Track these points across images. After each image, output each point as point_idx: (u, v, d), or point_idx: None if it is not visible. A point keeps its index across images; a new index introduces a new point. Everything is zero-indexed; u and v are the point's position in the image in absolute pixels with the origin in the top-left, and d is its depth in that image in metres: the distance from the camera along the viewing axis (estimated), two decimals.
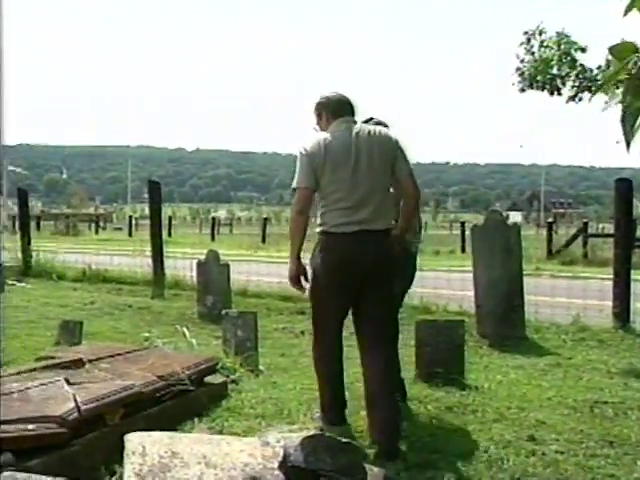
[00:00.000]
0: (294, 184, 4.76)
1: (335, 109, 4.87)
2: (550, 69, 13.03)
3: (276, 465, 2.91)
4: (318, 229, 4.78)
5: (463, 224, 33.15)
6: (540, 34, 13.33)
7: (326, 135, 4.76)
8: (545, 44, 13.20)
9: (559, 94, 13.08)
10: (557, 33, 13.25)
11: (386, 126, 5.23)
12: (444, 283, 11.55)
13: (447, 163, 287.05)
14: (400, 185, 4.80)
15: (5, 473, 3.08)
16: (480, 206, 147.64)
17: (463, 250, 26.18)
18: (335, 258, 4.67)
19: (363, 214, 4.61)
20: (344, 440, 3.07)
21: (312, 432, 3.12)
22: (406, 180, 4.75)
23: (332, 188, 4.64)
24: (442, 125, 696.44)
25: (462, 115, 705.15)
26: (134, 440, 3.01)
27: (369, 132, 4.73)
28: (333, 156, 4.64)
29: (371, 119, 5.39)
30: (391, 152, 4.72)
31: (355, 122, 4.85)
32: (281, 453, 2.99)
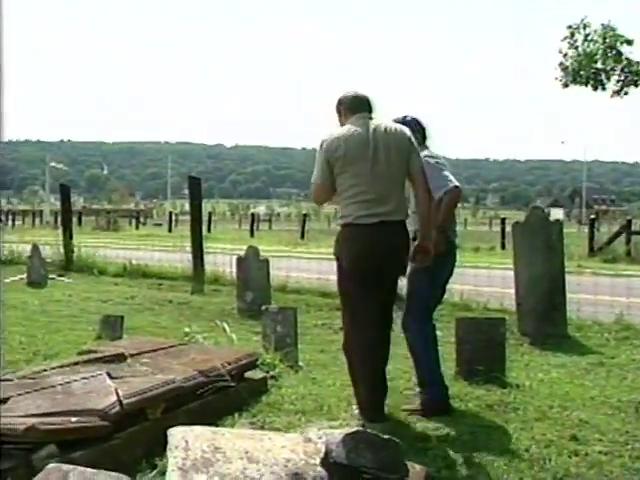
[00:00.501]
0: (312, 179, 5.06)
1: (351, 106, 5.09)
2: (594, 63, 12.86)
3: (318, 461, 2.90)
4: (340, 221, 5.03)
5: (503, 221, 32.85)
6: (584, 28, 13.17)
7: (343, 131, 4.97)
8: (589, 38, 13.03)
9: (603, 89, 12.89)
10: (602, 26, 13.08)
11: (419, 123, 5.58)
12: (484, 280, 11.45)
13: (487, 159, 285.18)
14: (412, 179, 5.02)
15: (51, 464, 3.11)
16: (520, 202, 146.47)
17: (503, 247, 25.98)
18: (359, 247, 4.87)
19: (385, 207, 4.84)
20: (385, 437, 3.05)
21: (353, 428, 3.10)
22: (418, 175, 4.98)
23: (352, 182, 4.86)
24: (482, 121, 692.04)
25: (503, 110, 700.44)
26: (177, 434, 3.01)
27: (385, 128, 4.95)
28: (351, 151, 4.85)
29: (405, 117, 5.59)
30: (406, 148, 4.96)
31: (372, 118, 5.04)
32: (323, 449, 2.97)
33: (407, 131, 5.07)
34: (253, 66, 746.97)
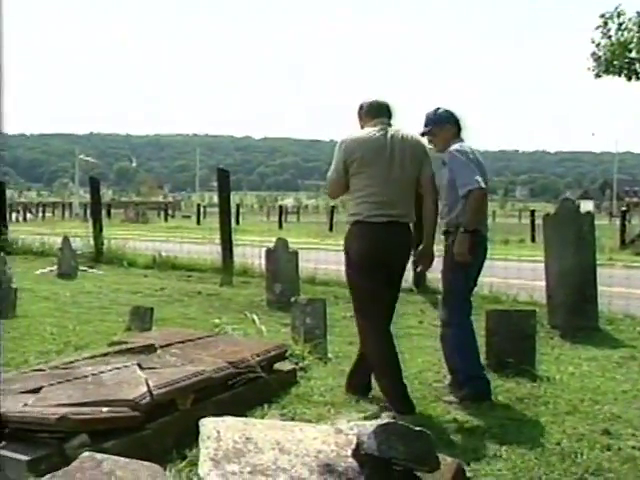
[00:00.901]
0: (328, 174, 5.39)
1: (371, 110, 5.40)
2: (628, 52, 12.66)
3: (349, 453, 2.90)
4: (351, 218, 5.31)
5: (533, 213, 32.67)
6: (618, 16, 12.96)
7: (362, 134, 5.28)
8: (623, 26, 12.83)
9: (638, 78, 12.69)
10: (637, 13, 12.86)
11: (453, 115, 5.69)
12: (514, 273, 11.38)
13: (516, 151, 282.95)
14: (422, 187, 5.32)
15: (85, 453, 3.13)
16: (550, 195, 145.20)
17: (533, 239, 25.84)
18: (368, 244, 5.18)
19: (394, 209, 5.16)
20: (417, 428, 3.04)
21: (385, 420, 3.09)
22: (428, 184, 5.31)
23: (367, 182, 5.16)
24: (511, 112, 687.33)
25: (532, 102, 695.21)
26: (209, 425, 3.02)
27: (402, 136, 5.24)
28: (368, 153, 5.15)
29: (438, 109, 5.72)
30: (420, 156, 5.28)
31: (390, 124, 5.33)
32: (354, 441, 2.97)
33: (422, 140, 5.45)
34: (283, 58, 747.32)
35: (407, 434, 2.94)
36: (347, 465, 2.82)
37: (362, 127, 5.39)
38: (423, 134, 5.65)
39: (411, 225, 5.36)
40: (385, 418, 3.44)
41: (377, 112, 5.37)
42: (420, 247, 5.46)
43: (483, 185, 5.36)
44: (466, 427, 4.89)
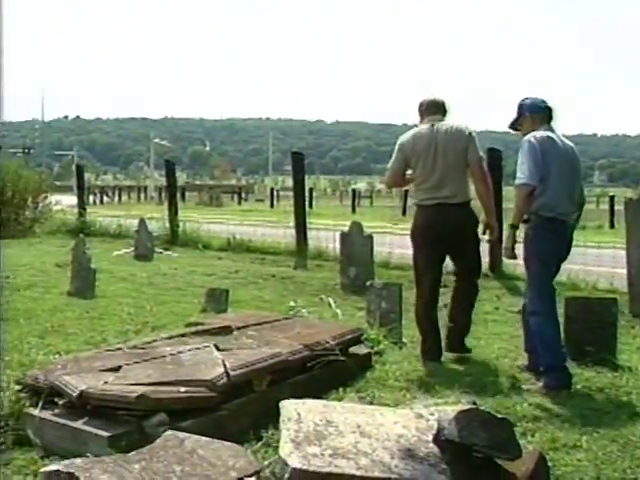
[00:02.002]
0: (388, 165, 6.37)
1: (427, 108, 6.27)
2: None
3: (430, 438, 2.86)
4: (413, 202, 6.38)
5: (612, 198, 31.92)
6: None
7: (415, 132, 6.20)
8: None
9: None
10: None
11: (532, 104, 5.77)
12: (593, 259, 11.13)
13: (594, 135, 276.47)
14: (470, 170, 6.06)
15: (168, 432, 3.17)
16: (629, 180, 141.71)
17: (612, 225, 25.27)
18: (424, 223, 6.16)
19: (442, 192, 5.99)
20: (499, 416, 2.98)
21: (466, 406, 3.04)
22: (474, 165, 6.03)
23: (419, 172, 6.09)
24: (590, 95, 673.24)
25: (611, 83, 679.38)
26: (289, 407, 3.02)
27: (446, 130, 6.06)
28: (419, 148, 6.07)
29: (524, 99, 5.87)
30: (463, 143, 6.01)
31: (439, 120, 6.16)
32: (435, 426, 2.93)
33: (465, 129, 6.08)
34: (354, 42, 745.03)
35: (489, 421, 2.89)
36: (428, 450, 2.78)
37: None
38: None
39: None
40: (465, 404, 3.38)
41: (432, 110, 6.24)
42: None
43: (527, 181, 5.37)
44: (544, 416, 4.79)
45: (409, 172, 6.24)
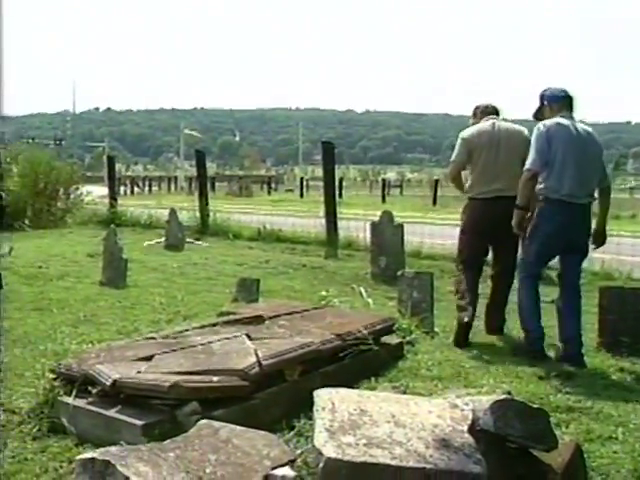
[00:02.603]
0: (452, 158, 6.86)
1: (480, 112, 6.90)
2: None
3: (465, 428, 2.83)
4: (468, 194, 6.69)
5: None
6: None
7: (479, 127, 6.70)
8: None
9: None
10: None
11: (550, 94, 6.16)
12: (627, 249, 11.00)
13: (628, 122, 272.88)
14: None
15: (202, 421, 3.18)
16: None
17: None
18: (478, 215, 6.60)
19: (499, 185, 6.41)
20: (534, 406, 2.95)
21: (501, 396, 3.01)
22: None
23: (480, 165, 6.54)
24: (623, 82, 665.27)
25: None
26: (323, 396, 3.00)
27: (506, 128, 6.64)
28: (482, 141, 6.57)
29: (547, 89, 6.22)
30: (522, 146, 6.30)
31: (496, 119, 6.74)
32: (470, 416, 2.91)
33: (523, 130, 6.64)
34: (386, 30, 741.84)
35: (524, 411, 2.86)
36: (463, 441, 2.76)
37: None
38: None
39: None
40: (500, 394, 3.35)
41: (489, 111, 6.86)
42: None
43: (529, 166, 5.89)
44: (578, 407, 4.72)
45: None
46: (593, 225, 6.13)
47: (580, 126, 5.94)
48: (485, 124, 6.70)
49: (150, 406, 3.99)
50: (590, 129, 6.00)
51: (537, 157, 5.83)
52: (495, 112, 6.90)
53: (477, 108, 6.98)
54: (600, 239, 6.17)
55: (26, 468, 3.72)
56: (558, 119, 5.90)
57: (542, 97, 6.17)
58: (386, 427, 2.80)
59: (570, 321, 6.02)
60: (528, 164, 5.87)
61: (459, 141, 6.75)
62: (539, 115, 6.14)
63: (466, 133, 6.73)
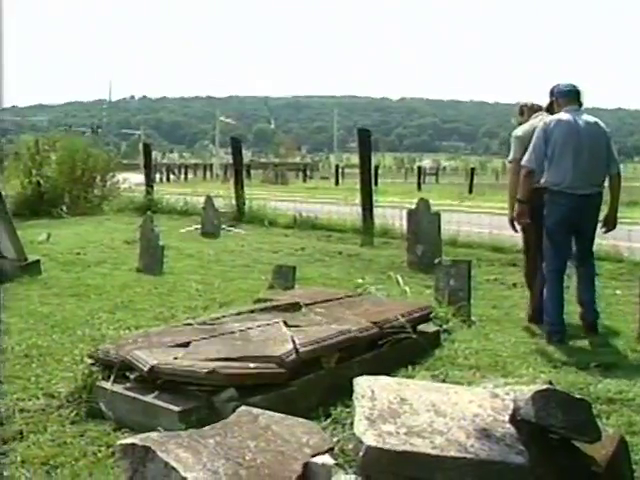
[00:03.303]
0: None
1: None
2: None
3: (506, 418, 2.79)
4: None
5: None
6: None
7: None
8: None
9: None
10: None
11: (557, 89, 6.43)
12: None
13: None
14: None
15: (242, 407, 3.17)
16: None
17: None
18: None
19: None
20: (577, 396, 2.90)
21: (543, 386, 2.96)
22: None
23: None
24: None
25: None
26: (363, 384, 2.98)
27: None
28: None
29: (556, 85, 6.44)
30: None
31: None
32: (511, 406, 2.87)
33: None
34: (421, 18, 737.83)
35: (566, 402, 2.81)
36: (505, 431, 2.72)
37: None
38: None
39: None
40: (541, 383, 3.30)
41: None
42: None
43: (524, 163, 6.24)
44: (618, 398, 4.64)
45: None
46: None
47: (584, 118, 6.25)
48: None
49: (187, 392, 4.00)
50: (595, 119, 6.33)
51: (533, 155, 6.21)
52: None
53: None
54: (610, 224, 6.41)
55: (65, 452, 3.75)
56: (560, 114, 6.25)
57: (551, 92, 6.50)
58: (426, 416, 2.77)
59: (585, 288, 6.37)
60: (524, 161, 6.25)
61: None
62: (550, 110, 6.55)
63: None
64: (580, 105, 6.36)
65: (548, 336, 6.09)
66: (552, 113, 6.43)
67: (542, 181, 6.20)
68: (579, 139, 6.13)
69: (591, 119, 6.29)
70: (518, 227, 6.57)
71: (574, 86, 6.42)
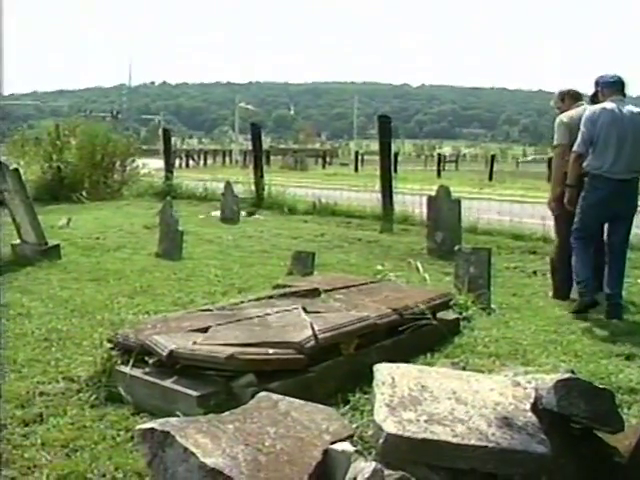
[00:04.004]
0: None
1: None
2: None
3: (528, 407, 2.76)
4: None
5: None
6: None
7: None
8: None
9: None
10: None
11: (596, 81, 6.68)
12: None
13: None
14: None
15: (262, 393, 3.16)
16: None
17: None
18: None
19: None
20: (600, 386, 2.86)
21: (565, 375, 2.93)
22: None
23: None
24: None
25: None
26: (383, 371, 2.96)
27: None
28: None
29: (601, 76, 6.67)
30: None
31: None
32: (532, 395, 2.84)
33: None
34: (441, 5, 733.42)
35: (589, 391, 2.78)
36: (526, 420, 2.69)
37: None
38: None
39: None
40: (563, 372, 3.26)
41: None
42: None
43: (575, 148, 6.50)
44: None
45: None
46: None
47: (627, 108, 6.49)
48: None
49: (206, 377, 4.00)
50: (638, 110, 6.53)
51: (581, 141, 6.48)
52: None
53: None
54: None
55: (85, 435, 3.76)
56: (605, 103, 6.49)
57: (596, 83, 6.72)
58: (447, 404, 2.75)
59: (613, 276, 6.52)
60: (575, 147, 6.51)
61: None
62: (595, 99, 6.76)
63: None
64: (624, 96, 6.61)
65: (582, 295, 6.41)
66: (595, 103, 6.66)
67: (584, 164, 6.48)
68: (623, 127, 6.40)
69: (635, 109, 6.52)
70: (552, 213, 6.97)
71: (619, 77, 6.66)
